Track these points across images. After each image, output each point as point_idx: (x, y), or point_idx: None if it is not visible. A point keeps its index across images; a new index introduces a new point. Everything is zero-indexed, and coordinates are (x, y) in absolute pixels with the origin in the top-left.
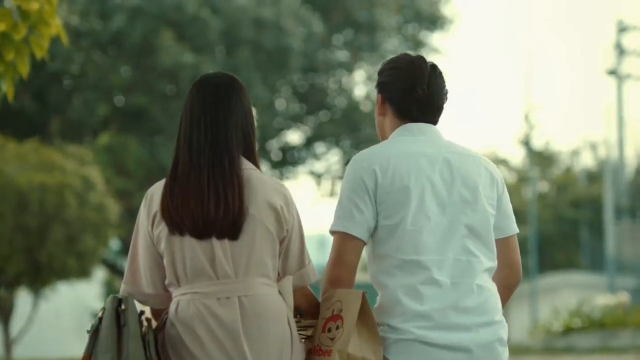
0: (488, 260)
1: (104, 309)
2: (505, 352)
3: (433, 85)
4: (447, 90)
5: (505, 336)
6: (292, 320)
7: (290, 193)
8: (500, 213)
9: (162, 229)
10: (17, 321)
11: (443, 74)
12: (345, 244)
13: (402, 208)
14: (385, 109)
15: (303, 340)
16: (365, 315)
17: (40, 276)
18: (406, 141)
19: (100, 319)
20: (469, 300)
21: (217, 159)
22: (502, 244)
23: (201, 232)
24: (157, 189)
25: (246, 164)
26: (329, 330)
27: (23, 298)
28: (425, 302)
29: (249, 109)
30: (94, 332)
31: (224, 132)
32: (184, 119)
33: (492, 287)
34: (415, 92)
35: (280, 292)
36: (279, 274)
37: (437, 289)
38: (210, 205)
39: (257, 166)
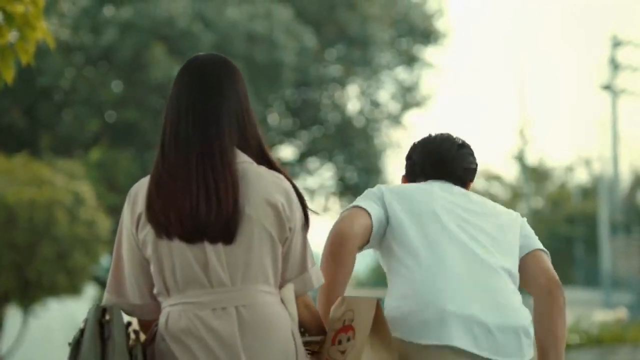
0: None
1: (87, 319)
2: (529, 346)
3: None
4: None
5: (530, 330)
6: (297, 333)
7: (291, 187)
8: (521, 236)
9: (147, 231)
10: (7, 339)
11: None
12: (354, 212)
13: (408, 205)
14: None
15: (308, 355)
16: (379, 325)
17: (29, 293)
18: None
19: (83, 330)
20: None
21: (207, 152)
22: (529, 258)
23: (191, 236)
24: (141, 187)
25: (241, 157)
26: (340, 342)
27: (12, 315)
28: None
29: (243, 94)
30: (76, 346)
31: (214, 121)
32: (170, 107)
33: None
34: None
35: (282, 301)
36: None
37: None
38: (200, 205)
39: (264, 155)
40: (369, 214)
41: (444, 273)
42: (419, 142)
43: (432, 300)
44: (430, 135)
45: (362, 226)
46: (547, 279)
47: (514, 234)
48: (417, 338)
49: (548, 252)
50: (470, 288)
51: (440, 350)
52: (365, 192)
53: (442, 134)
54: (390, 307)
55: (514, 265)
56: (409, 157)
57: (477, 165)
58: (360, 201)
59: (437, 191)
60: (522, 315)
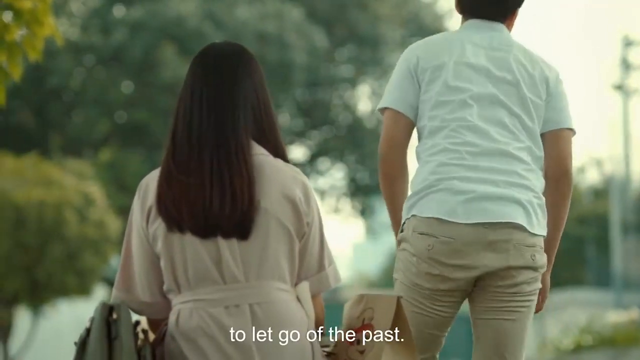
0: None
1: (93, 318)
2: (542, 219)
3: None
4: None
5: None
6: (313, 332)
7: (309, 182)
8: (551, 107)
9: (158, 225)
10: (17, 340)
11: None
12: (389, 120)
13: (435, 80)
14: None
15: (325, 355)
16: (400, 323)
17: (38, 294)
18: (463, 32)
19: (89, 330)
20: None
21: (221, 144)
22: (549, 136)
23: (204, 230)
24: (152, 179)
25: (257, 149)
26: (358, 342)
27: (22, 317)
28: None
29: (260, 84)
30: (81, 346)
31: (229, 112)
32: (182, 97)
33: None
34: None
35: (298, 299)
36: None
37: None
38: (214, 199)
39: (280, 149)
40: (401, 113)
41: (461, 160)
42: None
43: (446, 184)
44: None
45: (402, 129)
46: (557, 165)
47: (540, 95)
48: (431, 214)
49: (574, 130)
50: (484, 170)
51: (454, 226)
52: (396, 70)
53: None
54: (413, 189)
55: (533, 141)
56: None
57: None
58: (390, 98)
59: (467, 43)
60: (533, 192)
